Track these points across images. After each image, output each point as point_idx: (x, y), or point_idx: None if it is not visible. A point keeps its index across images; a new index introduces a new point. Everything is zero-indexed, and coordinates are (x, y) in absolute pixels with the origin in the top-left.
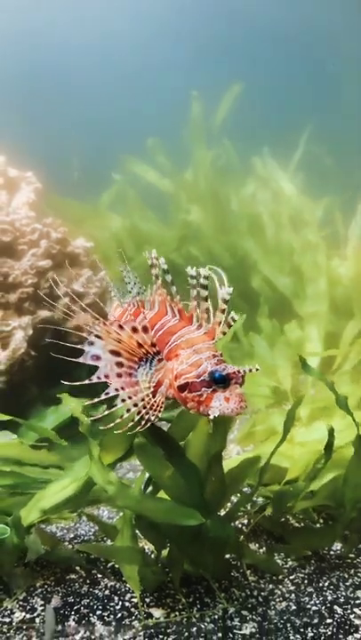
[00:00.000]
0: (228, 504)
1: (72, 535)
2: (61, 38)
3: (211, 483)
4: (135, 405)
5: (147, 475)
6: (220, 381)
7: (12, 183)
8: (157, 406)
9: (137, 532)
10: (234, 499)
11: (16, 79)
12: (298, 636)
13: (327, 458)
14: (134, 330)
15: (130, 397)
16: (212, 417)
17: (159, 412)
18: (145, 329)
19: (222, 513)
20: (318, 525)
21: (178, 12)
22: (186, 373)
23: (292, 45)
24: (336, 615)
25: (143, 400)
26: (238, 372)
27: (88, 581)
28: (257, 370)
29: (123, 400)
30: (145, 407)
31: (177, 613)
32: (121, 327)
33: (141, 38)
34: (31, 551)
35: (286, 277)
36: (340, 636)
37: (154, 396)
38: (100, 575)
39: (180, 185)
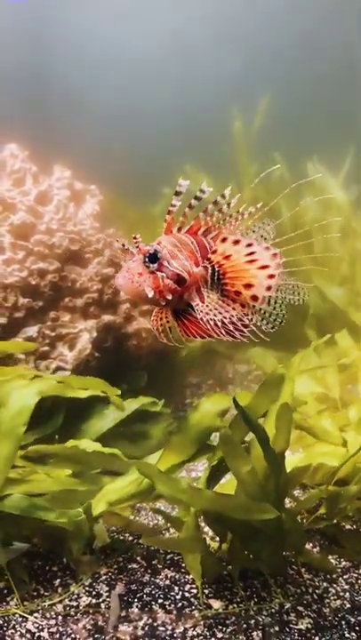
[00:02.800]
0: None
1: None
2: (108, 56)
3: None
4: None
5: (209, 472)
6: None
7: (77, 196)
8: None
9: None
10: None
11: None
12: (353, 634)
13: None
14: None
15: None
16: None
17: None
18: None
19: None
20: None
21: (223, 22)
22: None
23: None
24: None
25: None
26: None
27: (149, 571)
28: (135, 238)
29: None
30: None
31: (235, 605)
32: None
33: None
34: (98, 539)
35: (338, 288)
36: None
37: None
38: (160, 566)
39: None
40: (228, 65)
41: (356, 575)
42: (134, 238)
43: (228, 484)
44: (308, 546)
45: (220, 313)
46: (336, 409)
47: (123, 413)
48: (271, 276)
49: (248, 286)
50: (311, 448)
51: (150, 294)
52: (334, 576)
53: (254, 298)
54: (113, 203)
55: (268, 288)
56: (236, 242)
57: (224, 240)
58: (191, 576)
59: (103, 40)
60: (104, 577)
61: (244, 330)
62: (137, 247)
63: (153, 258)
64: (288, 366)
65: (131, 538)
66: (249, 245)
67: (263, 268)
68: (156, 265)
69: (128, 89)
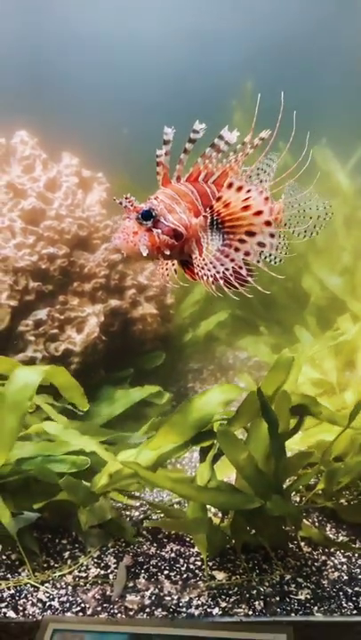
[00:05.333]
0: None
1: (138, 503)
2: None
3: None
4: None
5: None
6: None
7: (85, 183)
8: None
9: None
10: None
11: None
12: (350, 604)
13: None
14: None
15: None
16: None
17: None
18: None
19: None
20: None
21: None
22: None
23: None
24: None
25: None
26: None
27: (155, 544)
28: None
29: None
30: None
31: (238, 577)
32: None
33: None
34: (94, 515)
35: (338, 277)
36: None
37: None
38: (165, 539)
39: None
40: (236, 48)
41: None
42: (126, 198)
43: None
44: (308, 521)
45: (215, 267)
46: (334, 394)
47: (131, 399)
48: (268, 223)
49: (250, 234)
50: (310, 430)
51: (145, 253)
52: (332, 550)
53: (261, 244)
54: (124, 187)
55: (272, 235)
56: (240, 188)
57: (230, 186)
58: (195, 549)
59: (112, 24)
60: (112, 550)
61: (237, 286)
62: (131, 205)
63: (147, 215)
64: (297, 352)
65: (138, 514)
66: (248, 192)
67: (258, 214)
68: (150, 222)
69: (137, 75)
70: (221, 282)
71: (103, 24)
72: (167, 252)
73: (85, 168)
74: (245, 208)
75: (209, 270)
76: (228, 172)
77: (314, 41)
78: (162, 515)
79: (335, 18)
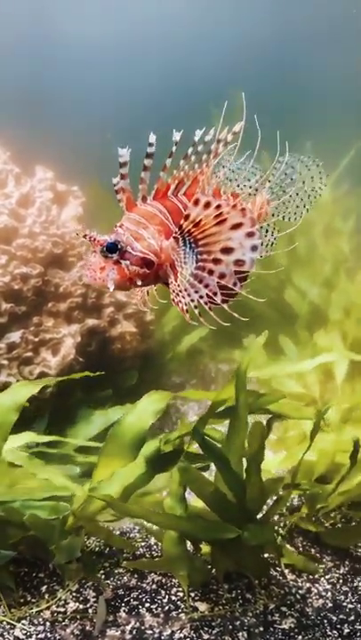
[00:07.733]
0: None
1: (117, 533)
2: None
3: (249, 488)
4: None
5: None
6: None
7: (60, 197)
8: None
9: None
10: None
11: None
12: (335, 632)
13: (352, 465)
14: None
15: None
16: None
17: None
18: None
19: (259, 515)
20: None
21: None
22: None
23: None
24: None
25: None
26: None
27: (136, 576)
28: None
29: None
30: None
31: (220, 607)
32: None
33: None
34: (64, 553)
35: (318, 288)
36: None
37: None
38: (146, 570)
39: None
40: (224, 54)
41: (337, 575)
42: (85, 235)
43: None
44: (291, 547)
45: (189, 295)
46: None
47: (109, 419)
48: (251, 235)
49: (227, 251)
50: (293, 449)
51: (112, 288)
52: (316, 576)
53: (239, 263)
54: (101, 198)
55: (254, 248)
56: (207, 205)
57: (196, 203)
58: (177, 579)
59: (86, 38)
60: (91, 582)
61: (210, 312)
62: (93, 240)
63: (112, 248)
64: (235, 373)
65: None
66: (218, 207)
67: (237, 227)
68: (116, 254)
69: (113, 82)
70: (196, 311)
71: (84, 28)
72: (139, 283)
73: (60, 181)
74: (220, 222)
75: (183, 298)
76: (199, 177)
77: (305, 45)
78: (142, 543)
79: (328, 20)
